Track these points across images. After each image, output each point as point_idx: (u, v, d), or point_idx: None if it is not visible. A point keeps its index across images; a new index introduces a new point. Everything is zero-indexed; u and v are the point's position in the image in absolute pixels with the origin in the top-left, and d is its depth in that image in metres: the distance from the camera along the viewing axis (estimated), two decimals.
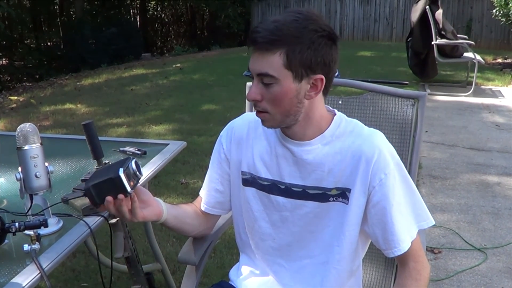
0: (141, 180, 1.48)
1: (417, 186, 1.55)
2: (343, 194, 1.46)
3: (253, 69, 1.38)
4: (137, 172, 1.42)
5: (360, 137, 1.46)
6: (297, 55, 1.33)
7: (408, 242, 1.46)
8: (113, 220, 1.87)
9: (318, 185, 1.48)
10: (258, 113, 1.43)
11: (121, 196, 1.36)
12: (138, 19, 19.77)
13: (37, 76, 14.08)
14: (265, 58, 1.34)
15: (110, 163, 1.91)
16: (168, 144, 2.38)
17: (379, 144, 1.44)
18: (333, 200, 1.48)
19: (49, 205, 1.62)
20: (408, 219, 1.47)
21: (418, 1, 7.40)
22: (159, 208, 1.54)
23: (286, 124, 1.44)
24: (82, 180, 1.92)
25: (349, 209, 1.46)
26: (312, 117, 1.45)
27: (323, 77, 1.39)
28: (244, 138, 1.61)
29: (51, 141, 2.58)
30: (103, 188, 1.36)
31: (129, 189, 1.36)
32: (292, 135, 1.48)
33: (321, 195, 1.48)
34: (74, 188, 1.86)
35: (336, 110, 1.53)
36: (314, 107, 1.44)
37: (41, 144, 1.60)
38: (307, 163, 1.48)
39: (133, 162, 1.42)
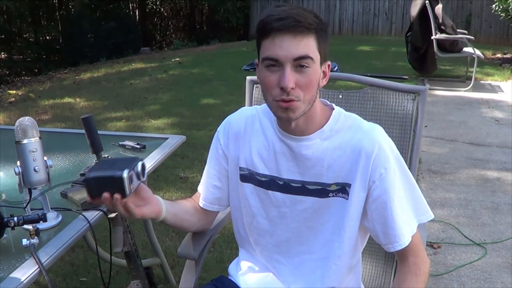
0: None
1: (416, 181, 1.54)
2: (343, 189, 1.46)
3: (287, 55, 1.32)
4: (141, 175, 1.41)
5: (359, 132, 1.46)
6: (321, 39, 1.36)
7: (408, 236, 1.45)
8: (113, 215, 1.87)
9: (317, 181, 1.47)
10: (288, 102, 1.36)
11: (117, 195, 1.34)
12: (137, 13, 19.71)
13: (36, 70, 14.04)
14: (302, 41, 1.32)
15: (108, 157, 1.90)
16: (167, 138, 2.37)
17: (379, 139, 1.44)
18: (333, 196, 1.47)
19: (47, 197, 1.61)
20: (409, 214, 1.47)
21: None
22: (158, 206, 1.52)
23: (305, 113, 1.41)
24: (81, 174, 1.92)
25: (349, 205, 1.46)
26: (315, 108, 1.44)
27: (330, 63, 1.44)
28: (242, 133, 1.59)
29: (50, 135, 2.58)
30: (103, 183, 1.34)
31: (128, 192, 1.34)
32: (294, 128, 1.46)
33: (321, 191, 1.48)
34: (73, 183, 1.86)
35: (334, 105, 1.53)
36: (317, 99, 1.44)
37: (40, 138, 1.60)
38: (306, 159, 1.47)
39: (139, 164, 1.40)
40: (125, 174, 1.32)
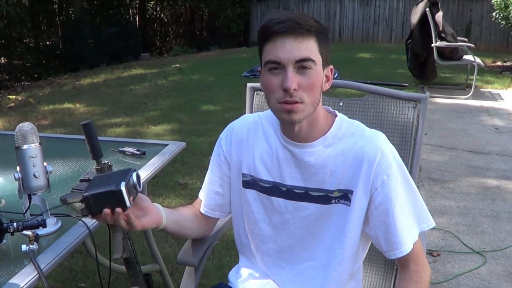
0: (141, 180, 1.46)
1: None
2: (345, 196, 1.45)
3: (289, 57, 1.33)
4: (137, 186, 1.39)
5: (362, 139, 1.46)
6: (322, 42, 1.37)
7: (410, 243, 1.45)
8: None
9: (320, 187, 1.47)
10: (291, 104, 1.36)
11: (118, 209, 1.33)
12: (137, 19, 19.76)
13: (36, 75, 14.07)
14: (303, 44, 1.34)
15: (110, 164, 1.89)
16: (167, 145, 2.37)
17: (382, 145, 1.44)
18: (335, 202, 1.47)
19: (47, 206, 1.61)
20: (410, 221, 1.47)
21: (418, 3, 7.41)
22: (158, 215, 1.51)
23: (308, 116, 1.41)
24: (81, 180, 1.91)
25: (351, 211, 1.45)
26: (318, 113, 1.45)
27: (332, 67, 1.45)
28: (244, 140, 1.59)
29: (50, 141, 2.57)
30: (102, 199, 1.32)
31: (128, 204, 1.32)
32: (297, 134, 1.46)
33: (323, 197, 1.47)
34: (73, 188, 1.85)
35: (337, 112, 1.52)
36: (320, 103, 1.44)
37: (40, 144, 1.59)
38: (309, 165, 1.47)
39: (134, 175, 1.39)
40: (122, 186, 1.31)
